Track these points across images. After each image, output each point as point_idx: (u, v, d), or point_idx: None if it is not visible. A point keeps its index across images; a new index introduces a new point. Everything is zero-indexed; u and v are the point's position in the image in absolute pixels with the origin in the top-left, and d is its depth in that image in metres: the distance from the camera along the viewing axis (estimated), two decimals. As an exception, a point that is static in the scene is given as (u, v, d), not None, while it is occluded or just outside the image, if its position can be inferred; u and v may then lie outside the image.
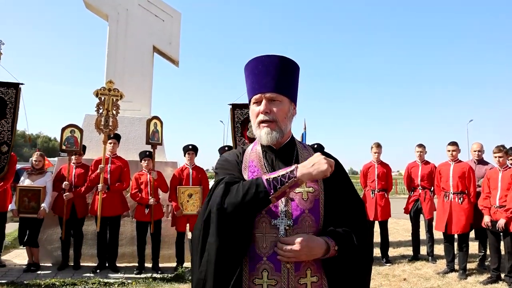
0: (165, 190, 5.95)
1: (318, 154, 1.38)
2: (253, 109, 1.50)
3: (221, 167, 1.54)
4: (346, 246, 1.40)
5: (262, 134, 1.46)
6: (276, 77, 1.47)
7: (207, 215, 1.36)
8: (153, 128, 5.94)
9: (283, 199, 1.40)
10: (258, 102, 1.48)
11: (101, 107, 5.67)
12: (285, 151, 1.53)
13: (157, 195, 5.83)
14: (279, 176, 1.33)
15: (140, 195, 5.69)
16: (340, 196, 1.50)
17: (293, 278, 1.34)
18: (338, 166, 1.58)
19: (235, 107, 6.64)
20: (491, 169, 5.77)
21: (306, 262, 1.36)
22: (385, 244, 6.56)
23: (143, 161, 5.80)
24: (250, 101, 1.54)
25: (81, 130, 5.79)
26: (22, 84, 5.69)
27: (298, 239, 1.32)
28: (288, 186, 1.32)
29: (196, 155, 6.13)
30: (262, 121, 1.46)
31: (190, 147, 6.06)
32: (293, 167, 1.34)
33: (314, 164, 1.32)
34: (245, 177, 1.47)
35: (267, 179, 1.33)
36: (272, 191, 1.31)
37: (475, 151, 6.24)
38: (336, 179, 1.50)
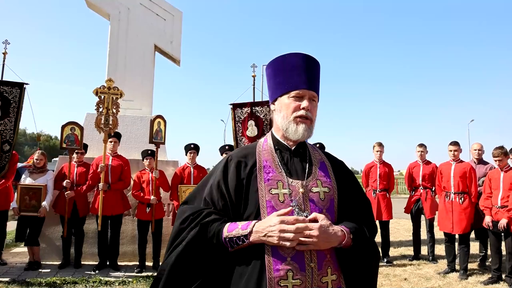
0: (166, 189, 5.95)
1: (277, 220, 1.31)
2: (289, 103, 1.48)
3: (215, 189, 1.48)
4: (360, 236, 1.43)
5: (299, 128, 1.47)
6: (315, 78, 1.53)
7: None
8: (157, 127, 5.94)
9: (302, 199, 1.41)
10: (299, 97, 1.48)
11: (101, 106, 5.66)
12: (299, 151, 1.54)
13: (158, 194, 5.83)
14: (235, 237, 1.35)
15: (141, 194, 5.69)
16: (349, 195, 1.53)
17: (316, 277, 1.34)
18: (344, 167, 1.64)
19: (235, 106, 6.66)
20: (491, 169, 5.78)
21: (326, 261, 1.37)
22: (386, 243, 6.55)
23: (145, 160, 5.81)
24: (282, 93, 1.52)
25: (81, 128, 5.78)
26: (27, 84, 5.69)
27: (316, 225, 1.33)
28: (241, 247, 1.36)
29: (197, 154, 6.14)
30: (303, 116, 1.47)
31: (192, 146, 6.07)
32: (249, 228, 1.34)
33: (267, 234, 1.31)
34: (260, 178, 1.44)
35: (224, 238, 1.37)
36: (229, 248, 1.37)
37: (475, 150, 6.28)
38: (345, 179, 1.56)
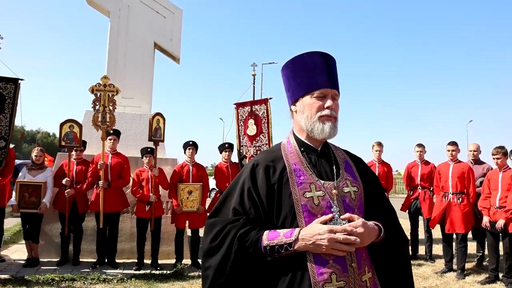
0: (166, 187, 5.95)
1: (326, 229, 1.30)
2: (313, 103, 1.47)
3: (246, 197, 1.45)
4: (389, 230, 1.47)
5: (326, 127, 1.46)
6: (336, 76, 1.53)
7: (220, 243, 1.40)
8: (156, 125, 5.93)
9: (335, 200, 1.41)
10: (322, 97, 1.48)
11: (97, 103, 5.64)
12: (324, 151, 1.55)
13: (158, 192, 5.83)
14: (277, 245, 1.33)
15: (141, 191, 5.69)
16: (372, 191, 1.56)
17: (357, 277, 1.35)
18: (363, 163, 1.66)
19: (239, 105, 6.70)
20: (488, 169, 5.80)
21: (363, 259, 1.39)
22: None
23: (144, 158, 5.80)
24: (304, 94, 1.50)
25: (80, 125, 5.75)
26: (21, 79, 5.66)
27: (360, 223, 1.34)
28: (283, 255, 1.35)
29: (196, 152, 6.14)
30: (328, 116, 1.46)
31: (190, 142, 6.07)
32: (294, 236, 1.32)
33: (315, 242, 1.30)
34: (293, 183, 1.43)
35: (265, 246, 1.34)
36: (269, 257, 1.36)
37: (470, 151, 6.30)
38: (366, 175, 1.59)
